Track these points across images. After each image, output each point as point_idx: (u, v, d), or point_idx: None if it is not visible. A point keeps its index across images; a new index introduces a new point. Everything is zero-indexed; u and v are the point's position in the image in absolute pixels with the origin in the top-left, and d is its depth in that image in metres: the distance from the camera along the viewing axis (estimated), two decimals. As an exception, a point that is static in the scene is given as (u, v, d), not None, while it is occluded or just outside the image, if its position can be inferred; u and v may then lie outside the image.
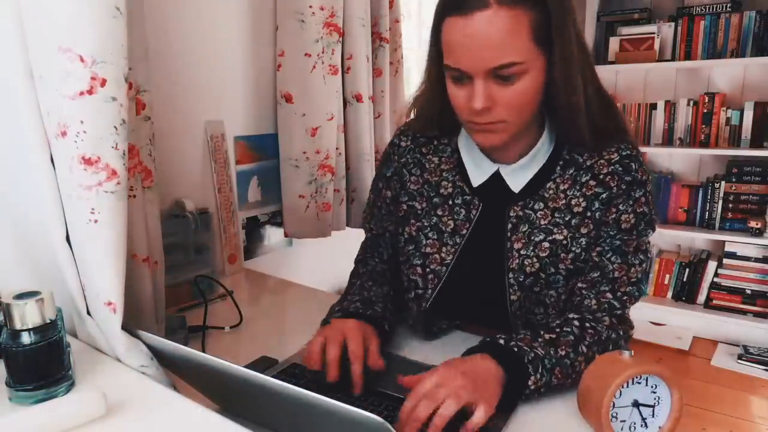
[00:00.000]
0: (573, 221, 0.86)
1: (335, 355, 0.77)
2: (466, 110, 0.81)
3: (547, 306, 0.88)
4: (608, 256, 0.85)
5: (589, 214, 0.86)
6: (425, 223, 0.94)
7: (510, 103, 0.79)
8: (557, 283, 0.87)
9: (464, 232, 0.91)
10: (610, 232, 0.86)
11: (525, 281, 0.87)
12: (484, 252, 0.90)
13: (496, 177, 0.90)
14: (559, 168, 0.88)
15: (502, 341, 0.76)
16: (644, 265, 0.87)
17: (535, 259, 0.87)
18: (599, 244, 0.86)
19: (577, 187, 0.87)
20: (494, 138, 0.83)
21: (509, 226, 0.89)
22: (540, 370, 0.73)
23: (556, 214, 0.87)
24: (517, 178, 0.89)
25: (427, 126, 0.97)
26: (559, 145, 0.89)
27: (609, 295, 0.84)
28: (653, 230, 0.88)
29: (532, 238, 0.87)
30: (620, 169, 0.85)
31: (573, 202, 0.87)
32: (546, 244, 0.87)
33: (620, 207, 0.85)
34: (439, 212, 0.93)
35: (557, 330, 0.79)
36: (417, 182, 0.97)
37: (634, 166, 0.86)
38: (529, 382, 0.72)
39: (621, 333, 0.84)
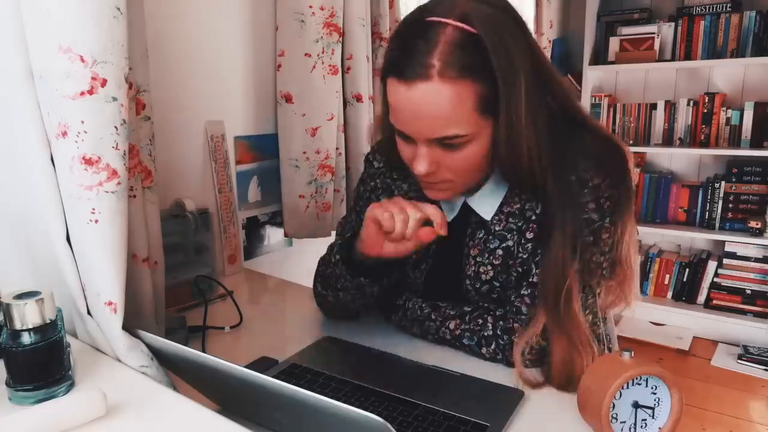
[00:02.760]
0: (522, 225, 0.85)
1: (405, 218, 0.78)
2: (411, 166, 0.79)
3: (505, 306, 0.86)
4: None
5: (534, 217, 0.83)
6: None
7: (456, 167, 0.77)
8: (512, 287, 0.85)
9: (423, 266, 0.94)
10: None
11: (481, 288, 0.87)
12: (449, 264, 0.91)
13: (465, 206, 0.89)
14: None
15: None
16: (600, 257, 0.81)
17: (489, 267, 0.86)
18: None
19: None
20: (441, 195, 0.83)
21: (468, 231, 0.89)
22: (400, 314, 0.90)
23: (510, 219, 0.86)
24: (484, 206, 0.87)
25: (390, 154, 0.93)
26: None
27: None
28: (603, 239, 0.80)
29: (488, 245, 0.87)
30: (574, 178, 0.80)
31: (527, 206, 0.85)
32: (500, 252, 0.86)
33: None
34: None
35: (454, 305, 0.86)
36: None
37: (587, 177, 0.79)
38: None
39: (502, 336, 0.82)
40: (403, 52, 0.72)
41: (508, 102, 0.71)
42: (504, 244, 0.86)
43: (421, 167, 0.76)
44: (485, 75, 0.70)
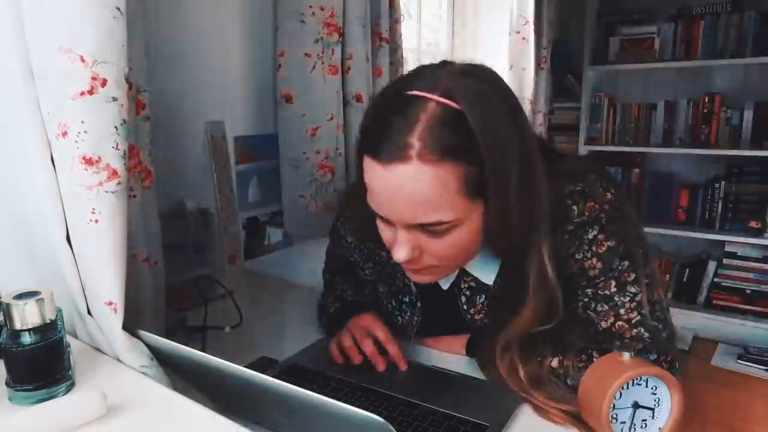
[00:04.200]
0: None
1: (371, 348, 0.82)
2: (391, 251, 0.72)
3: None
4: (592, 307, 0.77)
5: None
6: (385, 310, 0.96)
7: (441, 254, 0.70)
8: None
9: (409, 333, 0.94)
10: (582, 283, 0.77)
11: (479, 322, 0.87)
12: (442, 321, 0.90)
13: (463, 271, 0.84)
14: None
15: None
16: (639, 298, 0.76)
17: (482, 313, 0.86)
18: (577, 298, 0.78)
19: None
20: (426, 279, 0.77)
21: (463, 299, 0.86)
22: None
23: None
24: (485, 271, 0.82)
25: (362, 234, 0.89)
26: None
27: (618, 345, 0.75)
28: (635, 254, 0.76)
29: (492, 310, 0.84)
30: (560, 216, 0.75)
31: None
32: (485, 301, 0.85)
33: (576, 256, 0.75)
34: (393, 303, 0.95)
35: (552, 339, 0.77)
36: (372, 273, 0.98)
37: (576, 209, 0.75)
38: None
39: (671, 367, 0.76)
40: (380, 130, 0.65)
41: (498, 182, 0.65)
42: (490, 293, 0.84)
43: (400, 254, 0.69)
44: (470, 155, 0.63)
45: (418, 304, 0.91)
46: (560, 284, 0.74)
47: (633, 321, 0.75)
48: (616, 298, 0.75)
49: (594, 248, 0.75)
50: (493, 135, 0.63)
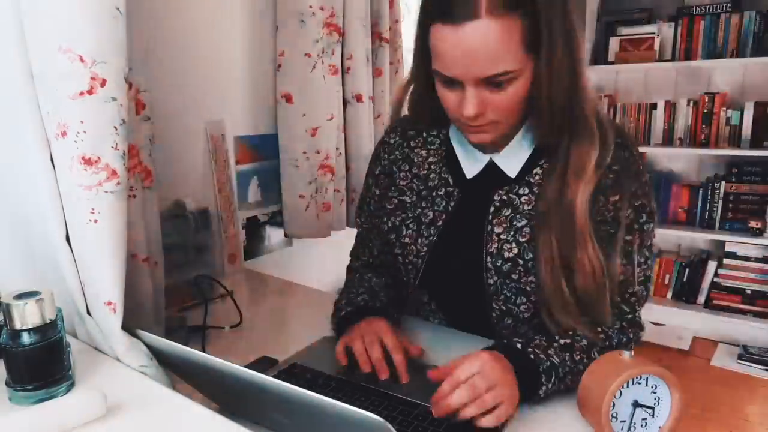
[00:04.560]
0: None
1: (379, 354, 0.80)
2: (457, 113, 0.80)
3: (529, 294, 0.85)
4: (612, 256, 0.82)
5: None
6: (409, 215, 0.95)
7: (502, 107, 0.78)
8: (537, 269, 0.83)
9: (439, 223, 0.92)
10: (611, 231, 0.82)
11: (503, 266, 0.85)
12: (464, 238, 0.90)
13: (490, 166, 0.90)
14: (546, 155, 0.86)
15: (519, 345, 0.76)
16: (650, 262, 0.85)
17: (514, 244, 0.85)
18: (601, 244, 0.82)
19: None
20: (486, 137, 0.83)
21: (492, 209, 0.88)
22: (552, 379, 0.74)
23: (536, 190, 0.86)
24: (511, 163, 0.88)
25: (416, 119, 0.97)
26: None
27: (617, 299, 0.82)
28: (654, 222, 0.85)
29: (514, 223, 0.86)
30: (610, 160, 0.82)
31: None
32: (527, 230, 0.85)
33: (617, 203, 0.82)
34: (423, 204, 0.94)
35: (570, 334, 0.80)
36: (406, 177, 0.97)
37: (625, 155, 0.83)
38: (540, 391, 0.73)
39: (631, 336, 0.84)
40: None
41: (550, 37, 0.74)
42: (533, 223, 0.85)
43: (470, 110, 0.76)
44: (528, 11, 0.72)
45: (456, 191, 0.92)
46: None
47: (639, 279, 0.84)
48: (635, 256, 0.83)
49: (632, 199, 0.82)
50: None
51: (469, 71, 0.74)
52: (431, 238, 0.92)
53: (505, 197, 0.87)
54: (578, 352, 0.78)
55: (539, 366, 0.74)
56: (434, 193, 0.94)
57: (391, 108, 1.46)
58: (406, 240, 0.94)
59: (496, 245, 0.86)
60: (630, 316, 0.84)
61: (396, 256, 0.96)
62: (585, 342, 0.79)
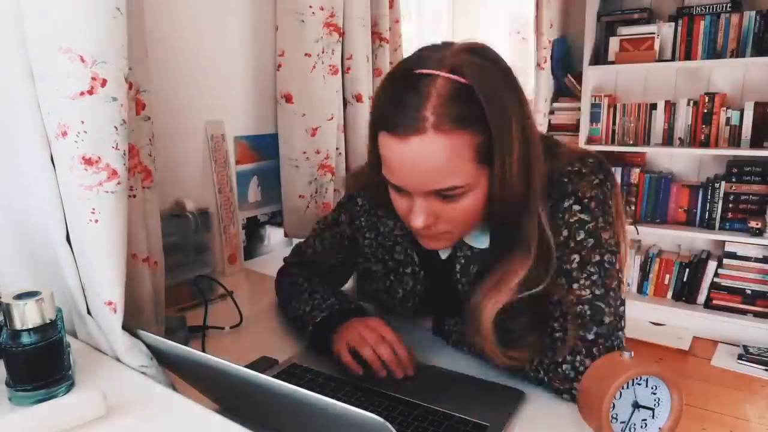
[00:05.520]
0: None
1: (391, 355, 0.80)
2: (407, 220, 0.78)
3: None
4: (554, 279, 0.77)
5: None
6: (382, 287, 0.97)
7: (455, 219, 0.76)
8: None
9: (410, 304, 0.94)
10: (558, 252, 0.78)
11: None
12: (438, 292, 0.92)
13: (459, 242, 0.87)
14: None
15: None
16: (595, 278, 0.76)
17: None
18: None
19: None
20: (439, 244, 0.82)
21: (457, 267, 0.88)
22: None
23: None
24: (480, 240, 0.86)
25: (376, 200, 0.93)
26: None
27: (556, 324, 0.77)
28: (604, 239, 0.77)
29: (485, 276, 0.82)
30: (556, 192, 0.79)
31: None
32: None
33: (554, 225, 0.78)
34: (392, 277, 0.96)
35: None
36: (371, 245, 0.97)
37: (570, 186, 0.78)
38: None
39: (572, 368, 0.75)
40: (394, 107, 0.70)
41: (502, 149, 0.70)
42: None
43: (418, 221, 0.74)
44: (479, 124, 0.69)
45: (421, 273, 0.92)
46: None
47: (583, 298, 0.76)
48: (574, 274, 0.77)
49: (566, 217, 0.78)
50: (499, 105, 0.69)
51: (416, 184, 0.72)
52: (411, 306, 0.95)
53: (468, 253, 0.87)
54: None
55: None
56: (401, 269, 0.94)
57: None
58: (400, 294, 0.96)
59: (460, 277, 0.88)
60: (561, 334, 0.76)
61: (394, 299, 0.98)
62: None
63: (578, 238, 0.78)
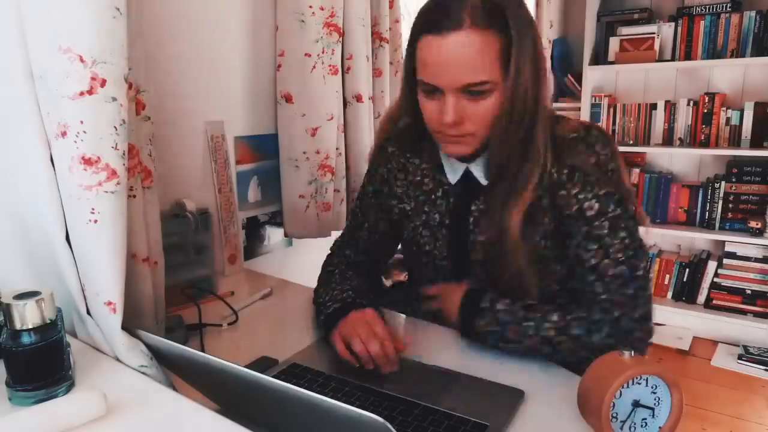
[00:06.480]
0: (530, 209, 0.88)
1: (378, 349, 0.82)
2: (436, 122, 0.87)
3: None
4: (583, 245, 0.87)
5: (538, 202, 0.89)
6: (417, 222, 1.02)
7: (478, 117, 0.84)
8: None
9: (447, 221, 0.98)
10: (578, 224, 0.87)
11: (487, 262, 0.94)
12: (457, 240, 0.98)
13: (466, 174, 0.96)
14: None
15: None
16: (628, 241, 0.85)
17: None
18: (572, 237, 0.88)
19: None
20: (462, 148, 0.89)
21: (471, 219, 0.95)
22: (487, 319, 0.87)
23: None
24: (484, 172, 0.94)
25: (406, 138, 1.03)
26: None
27: (597, 284, 0.85)
28: (629, 205, 0.87)
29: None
30: (562, 151, 0.87)
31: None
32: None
33: (579, 196, 0.87)
34: (426, 208, 1.00)
35: (541, 303, 0.88)
36: (402, 185, 1.04)
37: (579, 148, 0.87)
38: (475, 323, 0.88)
39: (629, 328, 0.84)
40: (438, 10, 0.82)
41: (519, 54, 0.81)
42: None
43: (449, 116, 0.83)
44: (503, 31, 0.80)
45: (451, 200, 0.98)
46: (555, 232, 0.89)
47: (619, 260, 0.85)
48: (606, 239, 0.85)
49: (595, 190, 0.86)
50: (520, 19, 0.82)
51: (450, 78, 0.82)
52: (446, 239, 0.99)
53: (482, 206, 0.94)
54: (534, 312, 0.85)
55: (480, 303, 0.88)
56: (432, 196, 1.00)
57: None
58: (427, 248, 1.00)
59: (480, 252, 0.95)
60: (609, 296, 0.84)
61: (422, 264, 1.03)
62: (549, 307, 0.86)
63: (609, 209, 0.86)
